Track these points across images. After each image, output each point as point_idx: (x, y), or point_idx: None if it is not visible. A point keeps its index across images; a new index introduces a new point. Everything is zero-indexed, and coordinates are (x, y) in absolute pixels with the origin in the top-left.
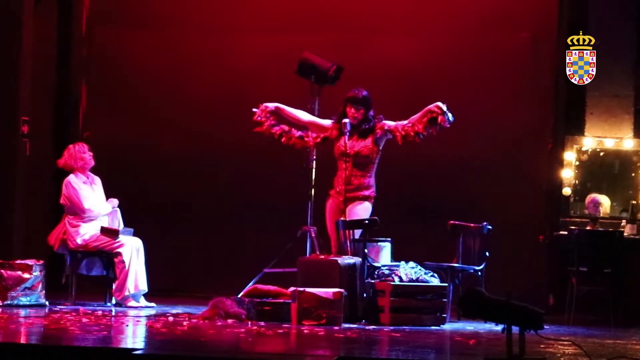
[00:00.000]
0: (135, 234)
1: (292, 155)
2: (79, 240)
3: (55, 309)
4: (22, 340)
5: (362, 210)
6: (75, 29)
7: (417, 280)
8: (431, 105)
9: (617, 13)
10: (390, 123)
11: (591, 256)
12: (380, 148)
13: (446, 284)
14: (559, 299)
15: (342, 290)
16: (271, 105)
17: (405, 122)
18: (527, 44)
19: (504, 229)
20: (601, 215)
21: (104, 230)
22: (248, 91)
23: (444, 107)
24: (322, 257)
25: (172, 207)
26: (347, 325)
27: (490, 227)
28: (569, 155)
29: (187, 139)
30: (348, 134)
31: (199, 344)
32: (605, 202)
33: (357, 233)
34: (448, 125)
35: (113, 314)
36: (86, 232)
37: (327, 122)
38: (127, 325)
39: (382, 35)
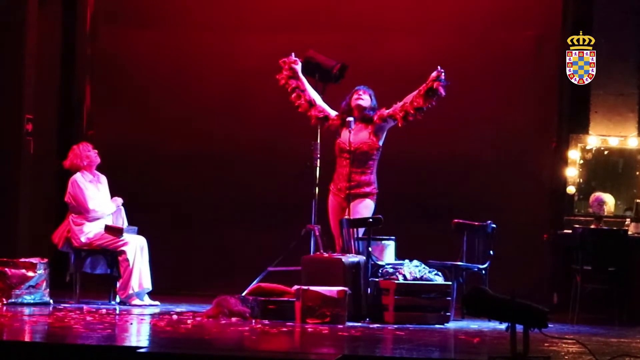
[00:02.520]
0: (139, 232)
1: (296, 154)
2: (83, 239)
3: (60, 307)
4: (27, 339)
5: (364, 208)
6: (80, 27)
7: (421, 278)
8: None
9: (621, 11)
10: (387, 110)
11: (595, 255)
12: (381, 143)
13: (450, 283)
14: (563, 297)
15: (346, 288)
16: (299, 66)
17: (401, 103)
18: (531, 43)
19: (508, 228)
20: (605, 213)
21: (108, 229)
22: (252, 90)
23: (442, 72)
24: (326, 255)
25: (176, 206)
26: (351, 324)
27: (494, 225)
28: (573, 154)
29: (191, 138)
30: (352, 132)
31: (203, 342)
32: (609, 201)
33: (362, 231)
34: (444, 92)
35: (117, 312)
36: (90, 230)
37: (333, 113)
38: (131, 324)
39: (387, 34)
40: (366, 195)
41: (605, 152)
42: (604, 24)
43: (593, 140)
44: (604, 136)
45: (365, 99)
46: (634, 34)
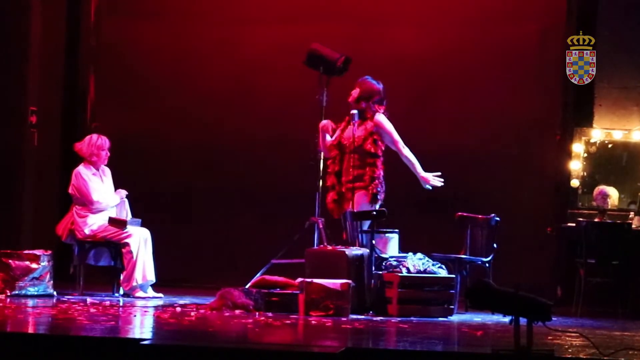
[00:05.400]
0: (143, 225)
1: (299, 146)
2: (86, 231)
3: (63, 299)
4: (30, 330)
5: (359, 200)
6: (84, 19)
7: (424, 271)
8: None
9: (626, 4)
10: (391, 132)
11: (599, 248)
12: (382, 140)
13: (454, 276)
14: (566, 290)
15: (349, 281)
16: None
17: (403, 156)
18: (535, 36)
19: (512, 221)
20: (609, 207)
21: (112, 221)
22: (256, 82)
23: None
24: (330, 248)
25: (180, 198)
26: (354, 317)
27: (498, 218)
28: (577, 147)
29: (195, 130)
30: (355, 124)
31: (206, 334)
32: (613, 194)
33: (366, 224)
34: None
35: (121, 304)
36: (94, 222)
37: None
38: (135, 316)
39: (391, 27)
40: (362, 189)
41: (610, 146)
42: (608, 17)
43: (597, 134)
44: (608, 129)
45: (352, 94)
46: (639, 27)
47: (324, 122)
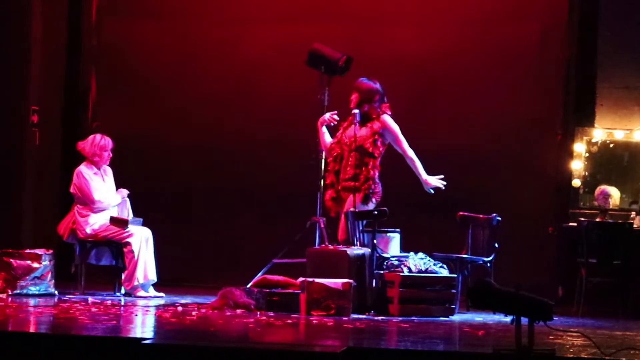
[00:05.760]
0: (144, 224)
1: (300, 145)
2: (88, 230)
3: (65, 298)
4: (32, 330)
5: (356, 199)
6: (85, 18)
7: (426, 271)
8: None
9: (627, 4)
10: (396, 133)
11: (600, 248)
12: (383, 142)
13: (455, 275)
14: (568, 290)
15: (351, 280)
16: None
17: (408, 157)
18: (537, 35)
19: (514, 221)
20: (610, 207)
21: (114, 220)
22: (258, 82)
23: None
24: (331, 247)
25: (182, 197)
26: (355, 316)
27: (499, 218)
28: (579, 147)
29: (196, 130)
30: (357, 124)
31: (208, 333)
32: (614, 194)
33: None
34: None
35: (122, 303)
36: (95, 221)
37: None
38: (136, 315)
39: (392, 26)
40: (357, 189)
41: (611, 145)
42: (609, 16)
43: (599, 133)
44: (609, 129)
45: (353, 99)
46: None
47: (323, 116)
